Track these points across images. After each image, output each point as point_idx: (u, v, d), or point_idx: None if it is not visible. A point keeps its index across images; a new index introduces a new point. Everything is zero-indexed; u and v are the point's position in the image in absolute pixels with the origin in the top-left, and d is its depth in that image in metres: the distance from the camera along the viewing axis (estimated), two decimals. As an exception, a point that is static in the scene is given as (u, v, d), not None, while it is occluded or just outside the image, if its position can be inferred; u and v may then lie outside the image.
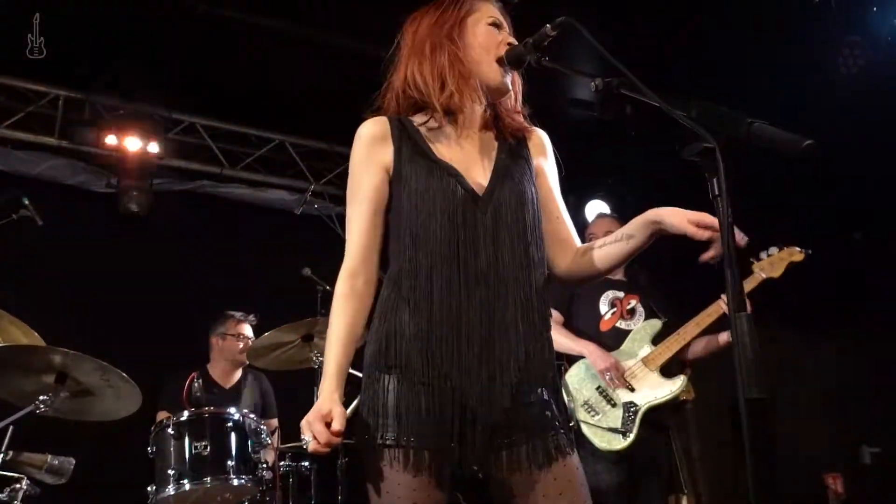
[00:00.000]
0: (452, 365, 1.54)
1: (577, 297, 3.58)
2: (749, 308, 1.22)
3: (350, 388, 1.62)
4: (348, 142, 1.74)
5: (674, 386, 3.34)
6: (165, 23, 4.38)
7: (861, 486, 5.39)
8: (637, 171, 5.46)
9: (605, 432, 3.31)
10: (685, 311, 3.48)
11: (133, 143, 5.01)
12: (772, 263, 3.30)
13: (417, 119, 1.74)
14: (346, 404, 1.57)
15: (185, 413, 3.19)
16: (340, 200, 5.05)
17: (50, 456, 2.95)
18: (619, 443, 3.28)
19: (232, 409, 3.31)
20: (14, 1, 4.00)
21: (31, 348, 2.96)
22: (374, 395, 1.57)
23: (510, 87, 1.75)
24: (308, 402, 1.61)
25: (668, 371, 3.41)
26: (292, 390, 4.21)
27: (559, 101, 5.15)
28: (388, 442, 1.53)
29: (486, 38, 1.73)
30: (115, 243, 4.92)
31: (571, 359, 3.50)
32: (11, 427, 2.81)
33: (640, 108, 1.46)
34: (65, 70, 4.70)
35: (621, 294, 3.57)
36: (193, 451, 3.09)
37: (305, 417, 1.52)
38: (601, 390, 3.39)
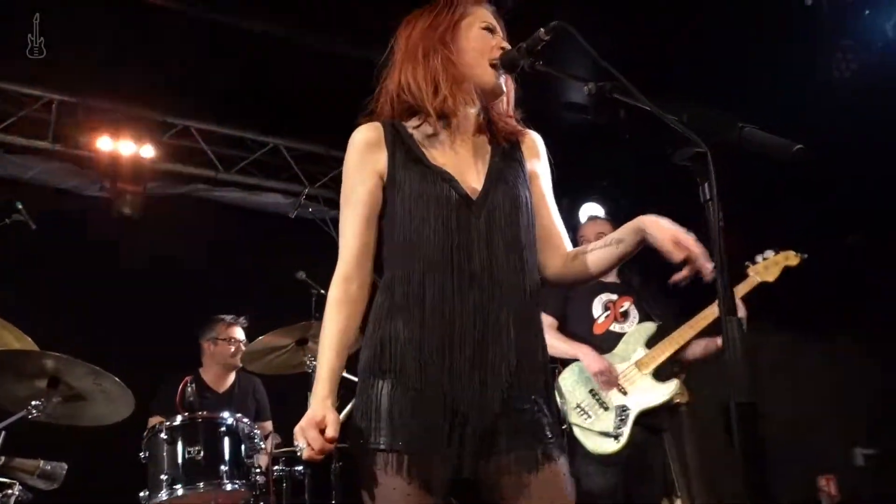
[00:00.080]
0: (444, 371, 1.54)
1: (570, 300, 3.58)
2: (743, 311, 1.23)
3: (343, 392, 1.62)
4: (343, 145, 1.74)
5: (666, 390, 3.34)
6: (160, 26, 4.37)
7: (855, 487, 5.39)
8: (631, 175, 5.46)
9: (597, 436, 3.30)
10: (679, 314, 3.48)
11: (127, 147, 5.01)
12: (767, 267, 3.30)
13: (411, 123, 1.74)
14: (339, 409, 1.57)
15: (179, 418, 3.18)
16: (335, 204, 5.02)
17: (42, 461, 2.92)
18: (611, 446, 3.28)
19: (225, 414, 3.30)
20: (6, 5, 3.99)
21: (23, 353, 2.95)
22: (368, 399, 1.57)
23: (504, 87, 1.76)
24: (302, 407, 1.61)
25: (662, 374, 3.40)
26: (285, 394, 4.20)
27: (553, 105, 5.15)
28: (381, 446, 1.52)
29: (480, 42, 1.74)
30: (109, 247, 4.91)
31: (565, 361, 3.50)
32: (3, 432, 2.80)
33: (633, 112, 1.47)
34: (59, 74, 4.69)
35: (615, 297, 3.57)
36: (187, 456, 3.09)
37: (299, 424, 1.52)
38: (594, 393, 3.39)
